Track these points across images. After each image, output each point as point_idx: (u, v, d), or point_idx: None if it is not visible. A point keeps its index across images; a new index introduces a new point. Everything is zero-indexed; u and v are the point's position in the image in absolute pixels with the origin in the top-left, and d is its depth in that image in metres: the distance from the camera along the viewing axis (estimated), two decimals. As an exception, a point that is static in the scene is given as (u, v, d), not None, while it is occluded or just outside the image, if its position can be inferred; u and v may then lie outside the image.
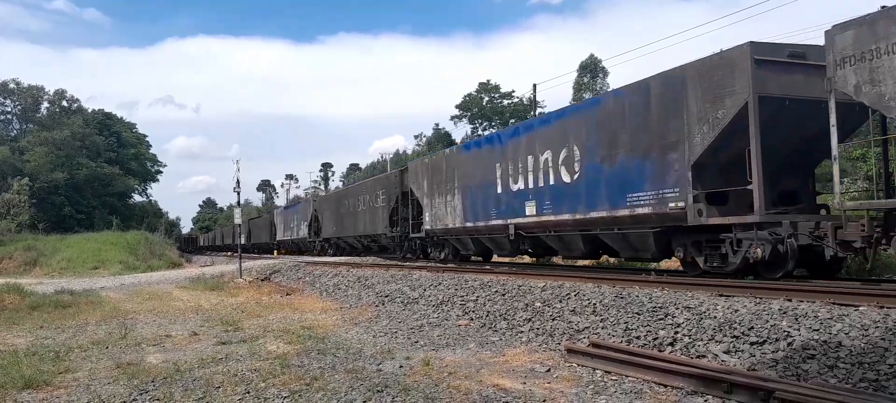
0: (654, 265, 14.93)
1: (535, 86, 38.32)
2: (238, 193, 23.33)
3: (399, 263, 19.65)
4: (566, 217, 13.06)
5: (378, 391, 5.80)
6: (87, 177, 55.64)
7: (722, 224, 9.84)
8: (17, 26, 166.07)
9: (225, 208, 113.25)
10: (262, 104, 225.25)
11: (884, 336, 5.57)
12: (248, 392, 5.91)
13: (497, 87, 70.88)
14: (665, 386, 5.57)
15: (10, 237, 35.94)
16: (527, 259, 18.64)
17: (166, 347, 8.71)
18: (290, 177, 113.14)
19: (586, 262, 16.98)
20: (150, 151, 77.80)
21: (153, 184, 79.39)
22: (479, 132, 67.71)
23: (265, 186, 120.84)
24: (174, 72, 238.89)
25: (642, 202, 11.01)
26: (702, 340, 6.56)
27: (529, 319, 8.79)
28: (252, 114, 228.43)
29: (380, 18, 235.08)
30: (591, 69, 58.76)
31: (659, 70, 11.00)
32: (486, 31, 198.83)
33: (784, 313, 6.54)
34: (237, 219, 24.55)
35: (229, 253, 52.84)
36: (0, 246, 33.55)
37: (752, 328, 6.38)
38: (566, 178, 13.00)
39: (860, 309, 6.31)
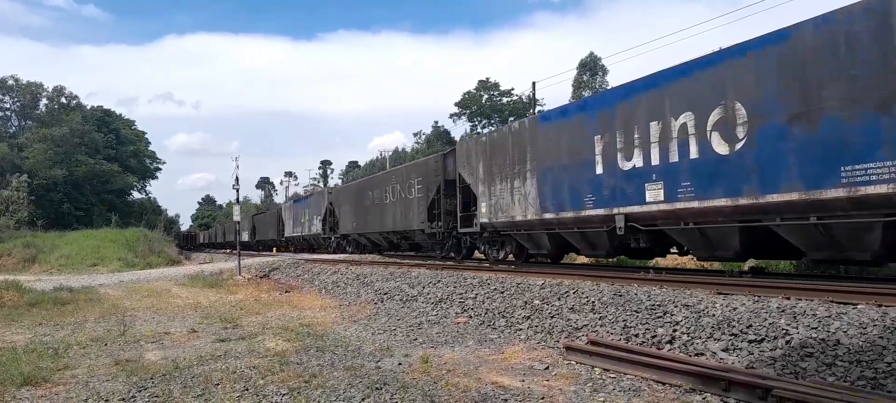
0: (654, 263, 14.86)
1: (534, 84, 38.29)
2: (237, 190, 23.32)
3: (398, 261, 19.50)
4: (720, 203, 9.47)
5: (377, 388, 5.80)
6: (86, 174, 55.62)
7: None
8: (17, 23, 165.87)
9: (224, 205, 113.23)
10: (261, 101, 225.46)
11: (882, 334, 5.58)
12: (247, 390, 5.91)
13: (496, 85, 70.90)
14: (663, 384, 5.58)
15: (8, 234, 35.92)
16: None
17: (165, 344, 8.71)
18: (289, 174, 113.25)
19: (584, 259, 16.43)
20: (149, 148, 77.83)
21: (152, 181, 79.49)
22: (478, 130, 67.64)
23: (264, 184, 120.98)
24: (174, 69, 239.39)
25: (875, 177, 7.52)
26: (700, 338, 6.57)
27: (528, 317, 8.80)
28: (251, 111, 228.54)
29: (379, 15, 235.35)
30: (591, 67, 58.70)
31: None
32: (486, 28, 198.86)
33: (782, 311, 6.55)
34: (236, 216, 24.53)
35: (228, 251, 52.86)
36: (-1, 242, 33.54)
37: (751, 326, 6.39)
38: (721, 149, 9.43)
39: (858, 307, 6.32)
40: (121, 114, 73.20)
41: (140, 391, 6.02)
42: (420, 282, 12.76)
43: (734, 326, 6.50)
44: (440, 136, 70.08)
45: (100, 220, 50.66)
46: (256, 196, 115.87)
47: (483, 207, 15.82)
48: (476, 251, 17.83)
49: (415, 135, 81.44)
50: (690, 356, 6.29)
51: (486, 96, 71.13)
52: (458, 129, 71.48)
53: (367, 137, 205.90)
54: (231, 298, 14.88)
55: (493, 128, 18.61)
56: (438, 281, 12.36)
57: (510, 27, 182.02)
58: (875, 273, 10.49)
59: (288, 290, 16.43)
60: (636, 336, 7.11)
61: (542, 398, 5.41)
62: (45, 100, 63.94)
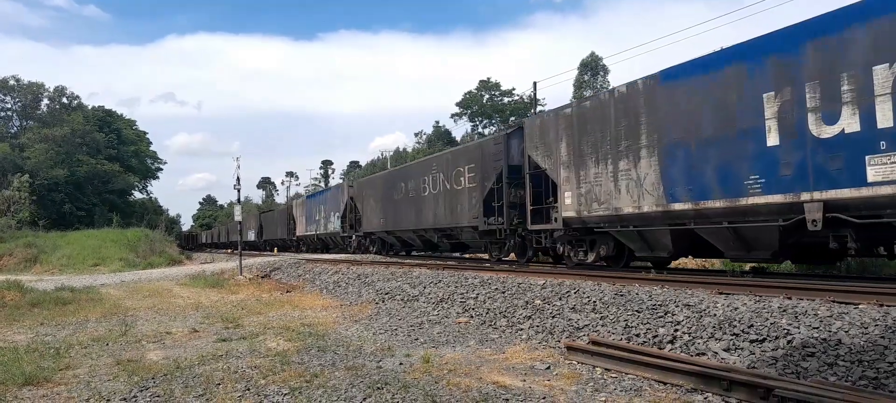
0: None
1: (535, 83, 38.31)
2: (238, 190, 23.36)
3: (399, 261, 19.42)
4: None
5: (378, 388, 5.80)
6: (88, 174, 55.71)
7: None
8: (18, 23, 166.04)
9: (225, 205, 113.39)
10: (262, 101, 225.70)
11: (883, 334, 5.57)
12: (248, 389, 5.92)
13: (497, 85, 70.87)
14: (665, 384, 5.58)
15: (10, 234, 35.98)
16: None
17: (166, 344, 8.72)
18: (290, 174, 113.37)
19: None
20: (151, 148, 77.95)
21: (153, 182, 79.63)
22: (480, 131, 67.61)
23: (265, 184, 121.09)
24: (175, 70, 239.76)
25: None
26: (701, 338, 6.57)
27: (529, 317, 8.79)
28: (252, 112, 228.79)
29: (380, 16, 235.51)
30: (592, 67, 58.73)
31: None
32: (487, 28, 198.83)
33: (784, 311, 6.55)
34: (238, 216, 24.55)
35: (229, 251, 52.77)
36: (0, 242, 33.58)
37: (752, 326, 6.38)
38: None
39: (860, 306, 6.31)
40: (122, 115, 73.40)
41: (141, 390, 6.02)
42: (421, 282, 12.76)
43: (736, 326, 6.50)
44: (441, 136, 70.04)
45: (101, 220, 50.74)
46: (257, 196, 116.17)
47: (567, 197, 12.63)
48: (543, 252, 15.07)
49: (416, 135, 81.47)
50: (692, 356, 6.28)
51: (486, 96, 71.10)
52: (459, 129, 71.62)
53: (368, 137, 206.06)
54: (232, 298, 14.90)
55: (583, 97, 14.66)
56: (440, 281, 12.36)
57: (511, 27, 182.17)
58: (882, 272, 10.35)
59: (289, 290, 16.43)
60: (637, 335, 7.11)
61: (544, 397, 5.41)
62: (46, 101, 64.17)
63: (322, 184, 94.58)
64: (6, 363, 7.34)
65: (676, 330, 6.89)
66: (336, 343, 8.22)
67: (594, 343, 7.02)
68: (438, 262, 17.50)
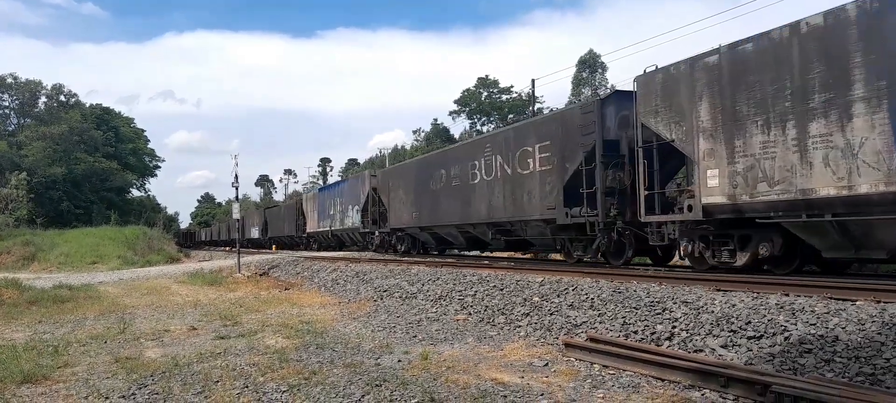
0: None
1: (533, 81, 38.37)
2: (236, 188, 23.34)
3: (397, 259, 19.39)
4: None
5: (377, 385, 5.81)
6: (85, 172, 55.69)
7: None
8: (15, 21, 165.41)
9: (223, 203, 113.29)
10: (260, 99, 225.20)
11: (880, 330, 5.59)
12: (247, 386, 5.92)
13: (496, 82, 70.81)
14: (662, 380, 5.59)
15: (7, 232, 35.92)
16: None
17: (165, 341, 8.72)
18: (288, 171, 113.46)
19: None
20: (149, 146, 77.88)
21: (151, 179, 79.58)
22: (478, 128, 67.56)
23: (263, 181, 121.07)
24: (174, 67, 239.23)
25: None
26: (699, 334, 6.58)
27: (527, 314, 8.81)
28: (251, 109, 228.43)
29: (379, 13, 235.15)
30: (590, 64, 58.72)
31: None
32: (485, 26, 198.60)
33: (781, 308, 6.56)
34: (236, 214, 24.54)
35: (227, 248, 52.72)
36: (-2, 240, 33.53)
37: (750, 322, 6.40)
38: None
39: (857, 303, 6.33)
40: (120, 112, 73.43)
41: (140, 388, 6.02)
42: (419, 280, 12.77)
43: (733, 322, 6.51)
44: (439, 134, 69.98)
45: (99, 218, 50.72)
46: (256, 193, 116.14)
47: (712, 177, 9.54)
48: (657, 250, 12.20)
49: (414, 132, 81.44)
50: (689, 352, 6.30)
51: (485, 94, 71.05)
52: (458, 127, 71.47)
53: (366, 135, 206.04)
54: (231, 295, 14.90)
55: (737, 41, 9.12)
56: (438, 279, 12.37)
57: (509, 24, 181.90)
58: (873, 270, 10.45)
59: (287, 288, 16.44)
60: (635, 332, 7.13)
61: (542, 394, 5.42)
62: (44, 98, 64.07)
63: (321, 182, 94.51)
64: (5, 361, 7.33)
65: (674, 327, 6.91)
66: (334, 340, 8.22)
67: (592, 340, 7.04)
68: (437, 260, 17.50)
